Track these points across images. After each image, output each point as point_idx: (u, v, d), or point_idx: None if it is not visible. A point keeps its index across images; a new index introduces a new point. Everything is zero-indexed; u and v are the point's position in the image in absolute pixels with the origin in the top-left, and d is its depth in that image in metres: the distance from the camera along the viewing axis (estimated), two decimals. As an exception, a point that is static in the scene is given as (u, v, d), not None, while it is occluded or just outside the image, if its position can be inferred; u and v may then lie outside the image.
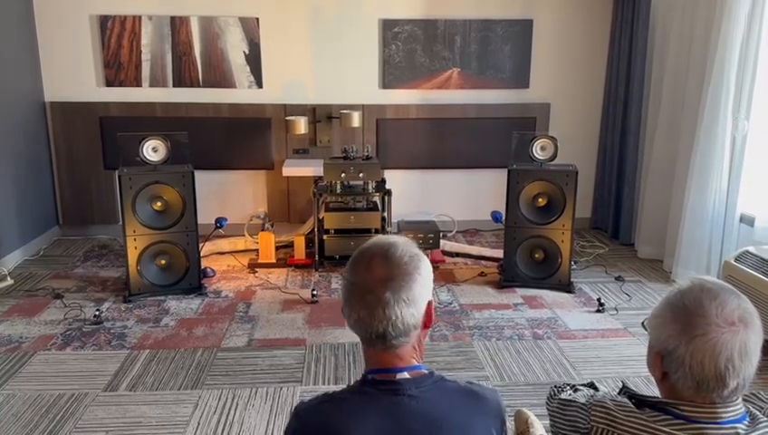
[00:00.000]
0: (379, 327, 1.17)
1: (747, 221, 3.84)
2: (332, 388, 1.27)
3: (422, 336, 1.26)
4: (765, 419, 1.17)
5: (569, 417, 1.33)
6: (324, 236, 4.39)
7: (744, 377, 1.12)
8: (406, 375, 1.20)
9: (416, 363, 1.24)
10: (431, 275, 1.25)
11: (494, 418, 1.24)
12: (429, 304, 1.23)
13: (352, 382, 1.27)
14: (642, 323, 1.30)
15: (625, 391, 1.30)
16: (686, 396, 1.17)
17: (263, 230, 4.56)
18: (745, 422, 1.15)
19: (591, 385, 1.61)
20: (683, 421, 1.15)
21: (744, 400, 1.21)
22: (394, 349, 1.21)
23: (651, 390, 1.29)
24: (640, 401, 1.23)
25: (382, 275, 1.18)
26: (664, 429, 1.16)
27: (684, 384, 1.15)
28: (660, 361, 1.19)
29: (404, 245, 1.23)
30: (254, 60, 5.02)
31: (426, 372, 1.23)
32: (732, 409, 1.15)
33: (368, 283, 1.18)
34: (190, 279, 3.95)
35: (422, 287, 1.21)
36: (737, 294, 1.16)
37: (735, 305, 1.14)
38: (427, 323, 1.24)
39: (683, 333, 1.13)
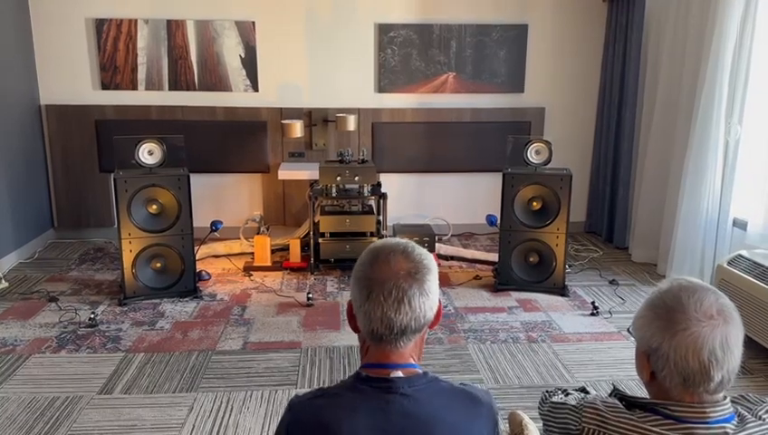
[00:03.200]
0: (403, 321, 1.19)
1: (740, 225, 3.86)
2: (327, 388, 1.28)
3: (425, 334, 1.29)
4: (754, 419, 1.19)
5: (560, 419, 1.34)
6: (320, 240, 4.40)
7: (728, 370, 1.15)
8: (399, 373, 1.22)
9: (412, 362, 1.25)
10: None
11: (486, 419, 1.25)
12: (440, 301, 1.27)
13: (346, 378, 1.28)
14: (628, 329, 1.33)
15: (615, 392, 1.32)
16: (675, 395, 1.19)
17: (258, 233, 4.57)
18: (734, 422, 1.17)
19: (583, 390, 1.62)
20: (673, 421, 1.17)
21: (733, 401, 1.23)
22: (405, 346, 1.23)
23: (643, 392, 1.31)
24: (630, 403, 1.25)
25: (407, 268, 1.20)
26: (654, 429, 1.17)
27: (671, 382, 1.17)
28: (647, 360, 1.21)
29: (414, 244, 1.27)
30: (249, 63, 5.04)
31: (420, 371, 1.25)
32: (720, 409, 1.17)
33: (393, 277, 1.19)
34: (185, 282, 3.95)
35: (437, 283, 1.25)
36: (714, 290, 1.20)
37: (713, 300, 1.17)
38: (435, 320, 1.26)
39: (665, 329, 1.16)
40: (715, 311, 1.15)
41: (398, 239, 1.28)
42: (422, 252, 1.25)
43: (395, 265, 1.21)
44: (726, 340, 1.14)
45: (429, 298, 1.21)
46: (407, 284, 1.19)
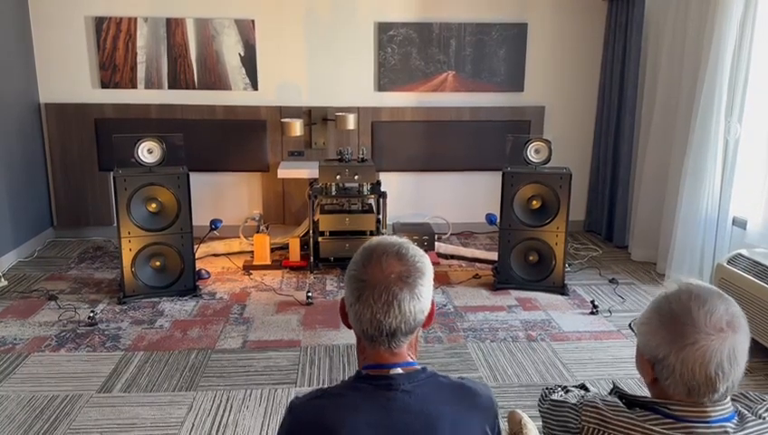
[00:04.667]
0: (392, 324, 1.18)
1: (740, 224, 3.86)
2: (327, 388, 1.28)
3: (419, 334, 1.29)
4: (753, 417, 1.18)
5: (560, 417, 1.34)
6: (319, 239, 4.40)
7: (733, 380, 1.14)
8: (399, 371, 1.22)
9: (410, 360, 1.25)
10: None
11: (486, 412, 1.26)
12: (433, 302, 1.26)
13: (346, 378, 1.28)
14: (630, 324, 1.31)
15: (615, 391, 1.31)
16: (676, 398, 1.18)
17: (258, 232, 4.57)
18: (734, 421, 1.16)
19: (582, 386, 1.62)
20: (673, 420, 1.16)
21: (733, 399, 1.23)
22: (398, 347, 1.23)
23: (643, 391, 1.30)
24: (631, 401, 1.25)
25: (398, 272, 1.19)
26: (654, 428, 1.17)
27: (675, 390, 1.16)
28: (651, 368, 1.19)
29: (411, 244, 1.26)
30: (249, 62, 5.03)
31: (418, 367, 1.25)
32: (720, 408, 1.16)
33: (384, 280, 1.18)
34: (185, 281, 3.95)
35: (430, 285, 1.24)
36: (724, 298, 1.16)
37: (723, 311, 1.13)
38: (428, 321, 1.26)
39: (673, 342, 1.14)
40: (725, 323, 1.12)
41: (394, 238, 1.27)
42: (416, 253, 1.24)
43: (387, 267, 1.20)
44: (734, 351, 1.12)
45: (420, 302, 1.20)
46: (397, 287, 1.18)
